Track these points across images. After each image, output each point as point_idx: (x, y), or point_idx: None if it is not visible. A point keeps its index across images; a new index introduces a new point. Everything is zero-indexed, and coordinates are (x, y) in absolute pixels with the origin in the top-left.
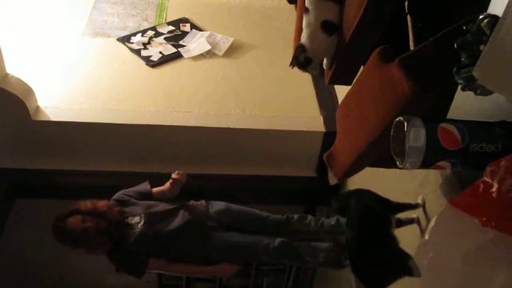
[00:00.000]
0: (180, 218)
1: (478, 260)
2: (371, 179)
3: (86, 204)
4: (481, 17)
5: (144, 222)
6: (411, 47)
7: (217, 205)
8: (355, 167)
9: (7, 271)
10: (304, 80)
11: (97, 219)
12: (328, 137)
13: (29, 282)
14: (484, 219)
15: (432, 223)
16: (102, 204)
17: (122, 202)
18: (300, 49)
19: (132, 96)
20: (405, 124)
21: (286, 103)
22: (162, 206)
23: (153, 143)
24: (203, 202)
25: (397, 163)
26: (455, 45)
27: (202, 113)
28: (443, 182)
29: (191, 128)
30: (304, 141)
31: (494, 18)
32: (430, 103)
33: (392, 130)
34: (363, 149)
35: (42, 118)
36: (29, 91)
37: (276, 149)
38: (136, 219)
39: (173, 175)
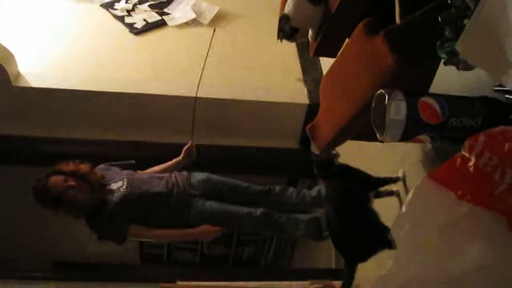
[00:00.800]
0: (163, 183)
1: (454, 233)
2: (354, 151)
3: (69, 165)
4: None
5: (127, 186)
6: (398, 21)
7: (199, 175)
8: (337, 140)
9: None
10: (289, 51)
11: (79, 180)
12: (312, 109)
13: (7, 250)
14: (460, 192)
15: (409, 195)
16: (84, 166)
17: (105, 169)
18: (284, 19)
19: (116, 64)
20: (386, 96)
21: (271, 74)
22: (145, 174)
23: (136, 112)
24: (185, 172)
25: (377, 135)
26: (439, 19)
27: (186, 83)
28: (423, 156)
29: (174, 98)
30: (288, 113)
31: None
32: (414, 77)
33: (373, 102)
34: (346, 121)
35: (23, 84)
36: (9, 56)
37: (260, 120)
38: (119, 183)
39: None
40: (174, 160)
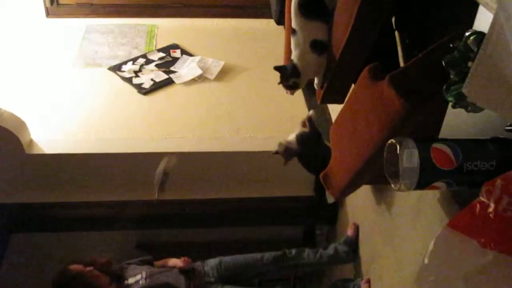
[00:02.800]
0: (179, 273)
1: (480, 282)
2: (369, 197)
3: (86, 257)
4: (467, 34)
5: (146, 278)
6: (401, 63)
7: (211, 262)
8: (351, 186)
9: None
10: (296, 99)
11: (97, 268)
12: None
13: None
14: (483, 240)
15: (430, 246)
16: (102, 258)
17: (123, 266)
18: (291, 69)
19: (126, 125)
20: (397, 146)
21: (280, 123)
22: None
23: (149, 171)
24: (198, 262)
25: (392, 185)
26: (443, 63)
27: (197, 138)
28: (440, 195)
29: (186, 154)
30: None
31: (480, 35)
32: (423, 120)
33: (385, 153)
34: (359, 167)
35: (36, 151)
36: (22, 124)
37: (272, 170)
38: (137, 277)
39: (180, 264)
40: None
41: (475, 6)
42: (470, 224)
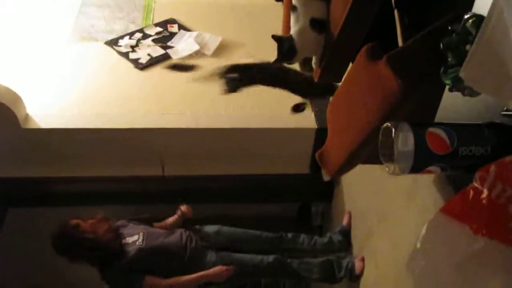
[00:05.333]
0: (177, 238)
1: (471, 268)
2: (364, 175)
3: (87, 222)
4: (466, 16)
5: (143, 239)
6: (400, 43)
7: (210, 228)
8: (347, 165)
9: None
10: None
11: (97, 224)
12: (320, 134)
13: None
14: (475, 226)
15: (423, 231)
16: (101, 216)
17: (121, 225)
18: (288, 47)
19: (122, 100)
20: (393, 129)
21: (276, 100)
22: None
23: (145, 147)
24: (197, 226)
25: (386, 169)
26: (441, 45)
27: (193, 115)
28: (435, 177)
29: (183, 130)
30: (296, 138)
31: (479, 18)
32: (419, 102)
33: (379, 136)
34: (354, 147)
35: (32, 126)
36: (17, 99)
37: (269, 147)
38: (135, 237)
39: (182, 208)
40: (168, 222)
41: None
42: (463, 209)
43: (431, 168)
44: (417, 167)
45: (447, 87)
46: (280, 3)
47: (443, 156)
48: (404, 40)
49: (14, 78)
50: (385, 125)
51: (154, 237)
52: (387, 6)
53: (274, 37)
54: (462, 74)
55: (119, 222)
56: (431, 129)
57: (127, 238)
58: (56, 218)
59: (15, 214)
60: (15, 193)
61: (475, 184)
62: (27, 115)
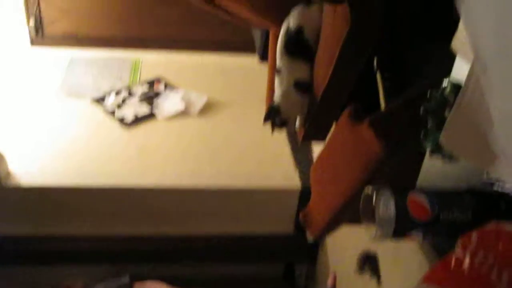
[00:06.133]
0: None
1: None
2: (349, 236)
3: (63, 284)
4: (444, 85)
5: None
6: (382, 104)
7: None
8: (331, 226)
9: None
10: (279, 137)
11: None
12: (305, 194)
13: None
14: None
15: None
16: (78, 284)
17: None
18: (274, 111)
19: (107, 158)
20: (374, 195)
21: (262, 160)
22: None
23: (128, 205)
24: None
25: (370, 234)
26: (421, 110)
27: (177, 174)
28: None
29: (166, 190)
30: (281, 198)
31: (457, 86)
32: (401, 164)
33: (361, 202)
34: (338, 208)
35: (13, 183)
36: (0, 156)
37: (252, 207)
38: None
39: None
40: None
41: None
42: (445, 278)
43: (412, 234)
44: (398, 233)
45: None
46: (265, 64)
47: (424, 223)
48: (386, 102)
49: None
50: (366, 189)
51: None
52: (369, 68)
53: (265, 120)
54: (441, 139)
55: (99, 286)
56: (412, 195)
57: None
58: (35, 278)
59: None
60: None
61: (457, 251)
62: (8, 172)
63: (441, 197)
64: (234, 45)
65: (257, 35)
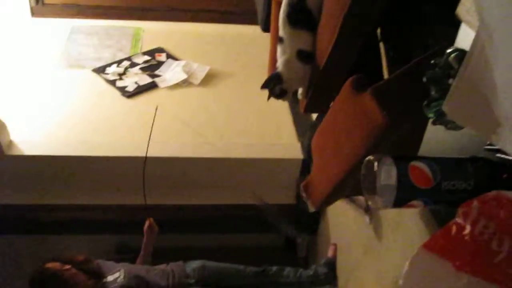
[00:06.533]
0: (159, 274)
1: None
2: (350, 206)
3: (65, 255)
4: (448, 51)
5: (124, 276)
6: (386, 75)
7: (194, 263)
8: (332, 196)
9: None
10: (281, 107)
11: (75, 266)
12: (307, 164)
13: None
14: (458, 263)
15: (405, 267)
16: (80, 255)
17: (101, 263)
18: (276, 79)
19: (108, 127)
20: (375, 163)
21: (264, 131)
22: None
23: (130, 175)
24: (180, 262)
25: (369, 202)
26: (424, 79)
27: (179, 143)
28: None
29: (168, 159)
30: (283, 169)
31: (462, 52)
32: (403, 133)
33: (362, 169)
34: (339, 178)
35: (15, 152)
36: (1, 125)
37: (255, 177)
38: (116, 274)
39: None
40: (143, 246)
41: (459, 22)
42: (445, 246)
43: (413, 202)
44: (399, 201)
45: (430, 120)
46: (267, 34)
47: (425, 190)
48: (389, 72)
49: None
50: (367, 158)
51: (135, 274)
52: (373, 38)
53: (263, 87)
54: (444, 108)
55: (99, 261)
56: (414, 163)
57: (108, 277)
58: (38, 247)
59: None
60: None
61: (458, 220)
62: (10, 141)
63: (442, 165)
64: (237, 16)
65: (259, 6)
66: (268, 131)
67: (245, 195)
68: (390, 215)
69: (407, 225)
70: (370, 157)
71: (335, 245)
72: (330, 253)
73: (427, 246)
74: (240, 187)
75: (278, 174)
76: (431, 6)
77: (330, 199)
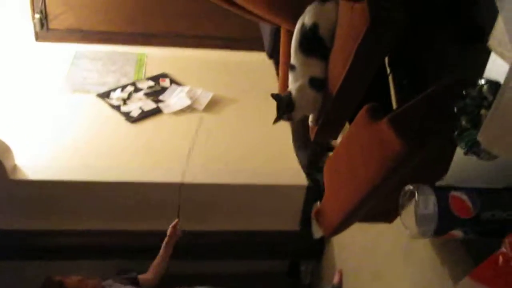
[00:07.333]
0: None
1: None
2: (357, 233)
3: (72, 278)
4: (482, 82)
5: None
6: (394, 104)
7: None
8: (345, 224)
9: None
10: (284, 132)
11: None
12: (311, 190)
13: None
14: None
15: None
16: (91, 281)
17: (108, 285)
18: (287, 103)
19: (113, 152)
20: (416, 192)
21: (269, 156)
22: None
23: (134, 200)
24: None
25: (408, 233)
26: (455, 109)
27: (183, 169)
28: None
29: (173, 184)
30: (287, 195)
31: (494, 84)
32: (426, 160)
33: (400, 199)
34: (353, 206)
35: (20, 177)
36: (6, 149)
37: (259, 203)
38: None
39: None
40: (164, 243)
41: (469, 51)
42: (492, 276)
43: (454, 232)
44: (440, 231)
45: (461, 150)
46: (271, 61)
47: (466, 220)
48: (399, 100)
49: (4, 127)
50: (405, 188)
51: None
52: (380, 67)
53: (273, 95)
54: (480, 138)
55: (105, 282)
56: (454, 193)
57: None
58: (41, 272)
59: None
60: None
61: (504, 250)
62: (15, 165)
63: (482, 195)
64: (241, 42)
65: (265, 33)
66: (272, 157)
67: (249, 221)
68: (401, 242)
69: (420, 254)
70: (409, 187)
71: (341, 271)
72: (335, 280)
73: (473, 276)
74: (244, 213)
75: (283, 200)
76: (443, 36)
77: (341, 226)
